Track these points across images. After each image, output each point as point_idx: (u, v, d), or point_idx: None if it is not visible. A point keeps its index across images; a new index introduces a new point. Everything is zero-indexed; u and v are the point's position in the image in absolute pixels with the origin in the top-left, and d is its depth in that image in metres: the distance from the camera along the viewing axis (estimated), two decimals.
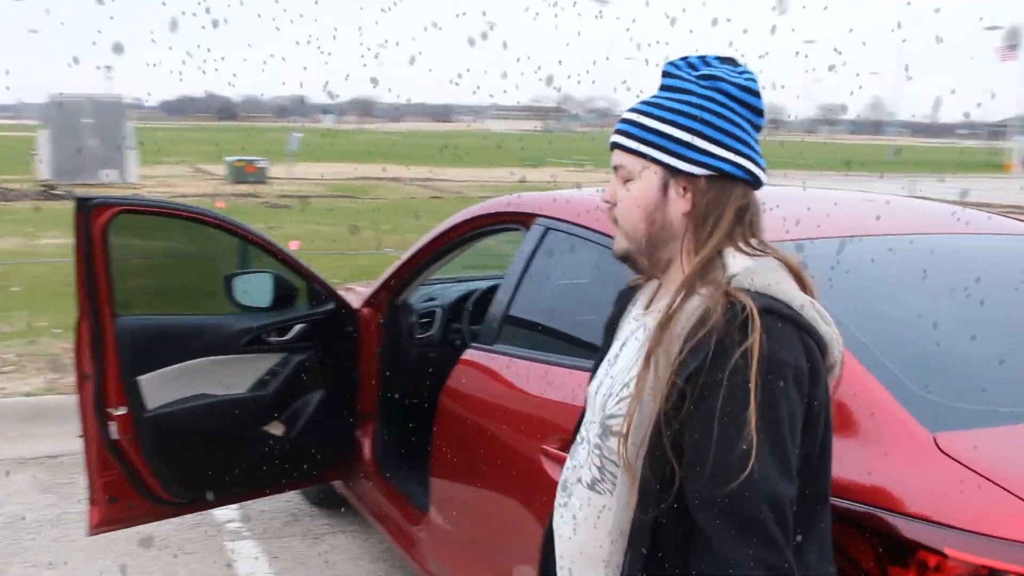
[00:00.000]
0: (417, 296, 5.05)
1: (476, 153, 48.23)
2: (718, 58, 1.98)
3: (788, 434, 1.72)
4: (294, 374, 4.50)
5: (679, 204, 1.93)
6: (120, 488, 4.12)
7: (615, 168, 2.01)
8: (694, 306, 1.83)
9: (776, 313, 1.77)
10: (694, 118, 1.90)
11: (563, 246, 3.66)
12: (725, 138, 1.91)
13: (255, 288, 4.55)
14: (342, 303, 4.68)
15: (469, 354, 3.77)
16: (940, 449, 2.23)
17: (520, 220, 3.89)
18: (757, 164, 1.95)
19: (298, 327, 4.57)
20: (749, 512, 1.67)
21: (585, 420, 2.14)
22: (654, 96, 1.99)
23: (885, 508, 2.16)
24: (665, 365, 1.79)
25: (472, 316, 4.87)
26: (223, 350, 4.33)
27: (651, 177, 1.94)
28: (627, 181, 1.98)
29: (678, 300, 1.86)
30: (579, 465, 2.06)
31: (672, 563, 1.81)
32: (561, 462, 3.00)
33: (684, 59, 1.98)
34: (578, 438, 2.14)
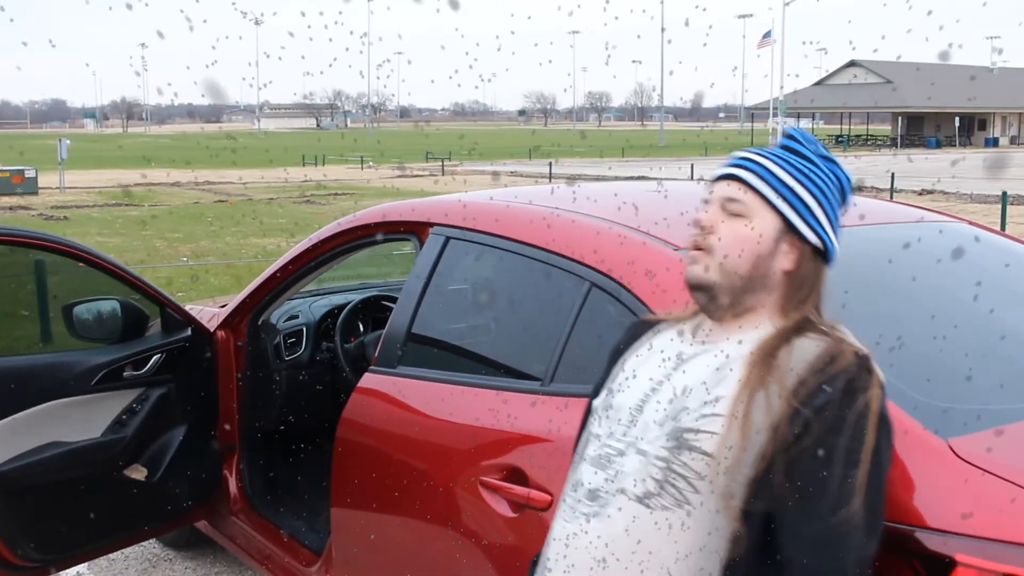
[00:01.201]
0: (277, 314, 4.66)
1: (255, 153, 47.02)
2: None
3: (883, 488, 1.86)
4: (154, 411, 4.06)
5: (782, 260, 1.96)
6: None
7: (728, 200, 1.99)
8: (807, 345, 1.88)
9: (877, 373, 1.89)
10: (820, 189, 1.98)
11: (470, 256, 3.40)
12: (834, 218, 2.01)
13: (101, 317, 4.08)
14: (199, 327, 4.26)
15: (369, 380, 3.43)
16: (958, 456, 2.10)
17: (412, 230, 3.59)
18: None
19: (155, 358, 4.12)
20: (839, 550, 1.77)
21: (612, 431, 2.01)
22: (779, 151, 2.03)
23: (919, 526, 2.01)
24: (779, 394, 1.81)
25: (344, 333, 4.54)
26: (74, 391, 3.84)
27: (769, 223, 1.96)
28: (735, 216, 1.97)
29: (779, 340, 1.90)
30: (621, 475, 1.93)
31: None
32: (504, 494, 2.78)
33: (802, 131, 2.05)
34: (609, 449, 1.99)
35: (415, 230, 3.57)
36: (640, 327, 2.21)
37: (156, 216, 22.59)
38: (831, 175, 2.00)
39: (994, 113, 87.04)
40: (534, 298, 3.23)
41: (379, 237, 3.82)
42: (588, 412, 2.16)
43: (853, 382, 1.81)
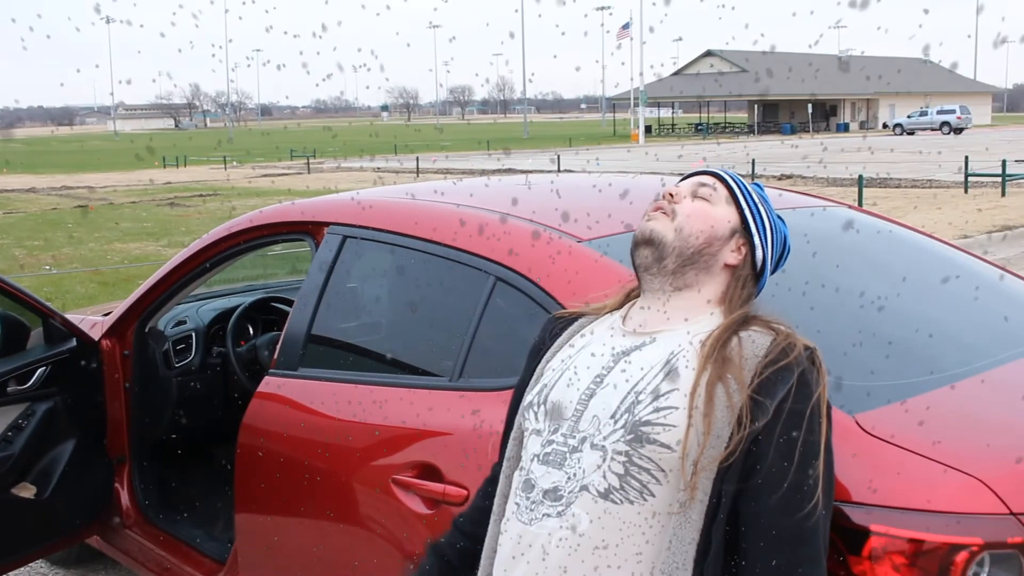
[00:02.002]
0: (164, 320, 4.55)
1: (111, 156, 45.69)
2: None
3: (833, 473, 1.91)
4: (41, 426, 3.92)
5: (729, 254, 2.07)
6: None
7: (701, 185, 2.12)
8: (757, 339, 1.93)
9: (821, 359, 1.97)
10: (775, 226, 2.15)
11: (369, 255, 3.38)
12: (780, 239, 2.16)
13: None
14: (83, 337, 4.13)
15: (269, 384, 3.37)
16: (864, 430, 2.19)
17: (306, 230, 3.55)
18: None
19: (39, 371, 3.98)
20: (810, 543, 1.82)
21: (556, 427, 1.98)
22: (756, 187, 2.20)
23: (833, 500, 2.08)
24: (739, 386, 1.86)
25: (234, 337, 4.46)
26: None
27: (728, 216, 2.08)
28: (703, 199, 2.09)
29: (728, 333, 1.95)
30: (580, 472, 1.92)
31: None
32: (418, 491, 2.78)
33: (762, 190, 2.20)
34: (559, 446, 1.97)
35: (310, 230, 3.52)
36: (557, 322, 2.22)
37: (13, 224, 21.74)
38: (779, 231, 2.16)
39: (844, 100, 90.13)
40: (437, 295, 3.23)
41: (272, 238, 3.77)
42: (513, 409, 2.15)
43: (806, 375, 1.87)
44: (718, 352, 1.90)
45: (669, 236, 2.03)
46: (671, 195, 2.09)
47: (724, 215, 2.07)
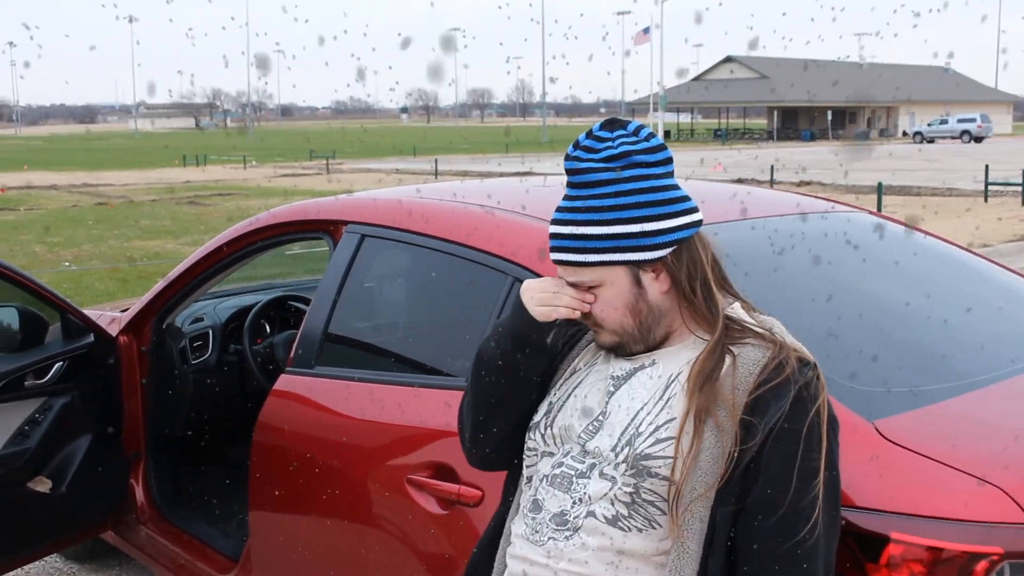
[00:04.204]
0: (181, 317, 4.56)
1: (133, 154, 45.88)
2: (601, 127, 1.94)
3: (839, 482, 1.84)
4: (57, 420, 3.93)
5: (656, 287, 1.92)
6: None
7: (575, 284, 1.94)
8: (752, 355, 1.85)
9: (821, 373, 1.88)
10: (633, 206, 1.87)
11: (387, 254, 3.37)
12: (667, 207, 1.89)
13: None
14: (101, 333, 4.14)
15: (285, 382, 3.37)
16: (884, 437, 2.17)
17: (324, 228, 3.55)
18: (694, 207, 1.93)
19: (56, 366, 3.99)
20: (807, 568, 1.75)
21: (567, 451, 1.97)
22: (575, 199, 1.92)
23: (851, 506, 2.07)
24: (728, 411, 1.80)
25: (251, 335, 4.46)
26: None
27: (620, 277, 1.91)
28: (592, 288, 1.93)
29: (713, 358, 1.86)
30: (588, 498, 1.90)
31: None
32: (433, 491, 2.77)
33: (577, 147, 1.92)
34: (568, 469, 1.95)
35: (328, 229, 3.52)
36: (572, 325, 2.11)
37: (34, 220, 21.85)
38: (632, 173, 1.88)
39: (864, 107, 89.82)
40: (455, 294, 3.23)
41: (291, 237, 3.77)
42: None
43: (802, 392, 1.79)
44: (705, 381, 1.83)
45: (614, 338, 1.96)
46: (582, 314, 1.96)
47: (617, 282, 1.91)
